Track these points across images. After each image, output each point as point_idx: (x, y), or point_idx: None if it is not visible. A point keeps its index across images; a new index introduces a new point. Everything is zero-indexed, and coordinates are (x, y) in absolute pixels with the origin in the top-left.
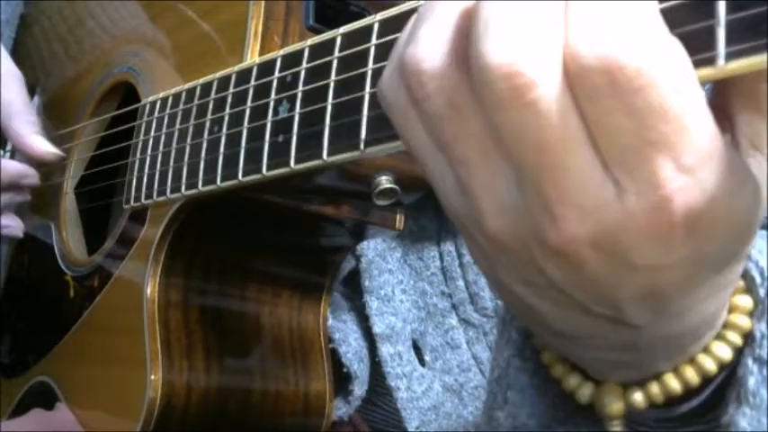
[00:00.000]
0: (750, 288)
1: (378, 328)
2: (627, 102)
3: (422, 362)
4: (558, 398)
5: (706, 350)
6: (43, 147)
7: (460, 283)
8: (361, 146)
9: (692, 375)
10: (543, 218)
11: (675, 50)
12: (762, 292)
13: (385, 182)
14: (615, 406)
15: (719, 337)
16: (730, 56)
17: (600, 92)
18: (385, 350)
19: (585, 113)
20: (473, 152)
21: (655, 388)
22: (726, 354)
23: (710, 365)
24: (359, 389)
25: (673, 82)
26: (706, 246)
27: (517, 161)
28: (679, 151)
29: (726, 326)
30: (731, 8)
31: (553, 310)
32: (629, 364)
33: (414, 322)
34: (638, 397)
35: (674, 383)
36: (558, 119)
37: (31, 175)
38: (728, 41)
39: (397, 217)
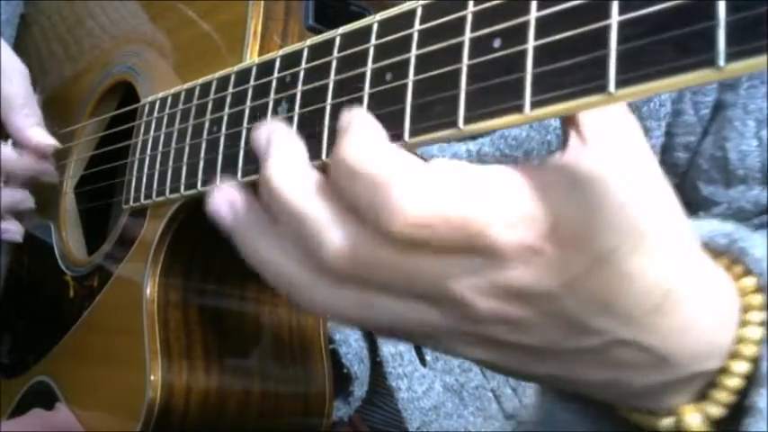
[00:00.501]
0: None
1: None
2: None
3: (423, 362)
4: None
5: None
6: (42, 138)
7: None
8: None
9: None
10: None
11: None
12: None
13: None
14: (696, 426)
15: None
16: (730, 57)
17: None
18: (386, 350)
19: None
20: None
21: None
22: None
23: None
24: (359, 390)
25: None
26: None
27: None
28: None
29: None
30: (731, 9)
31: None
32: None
33: None
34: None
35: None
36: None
37: (26, 200)
38: (728, 43)
39: None
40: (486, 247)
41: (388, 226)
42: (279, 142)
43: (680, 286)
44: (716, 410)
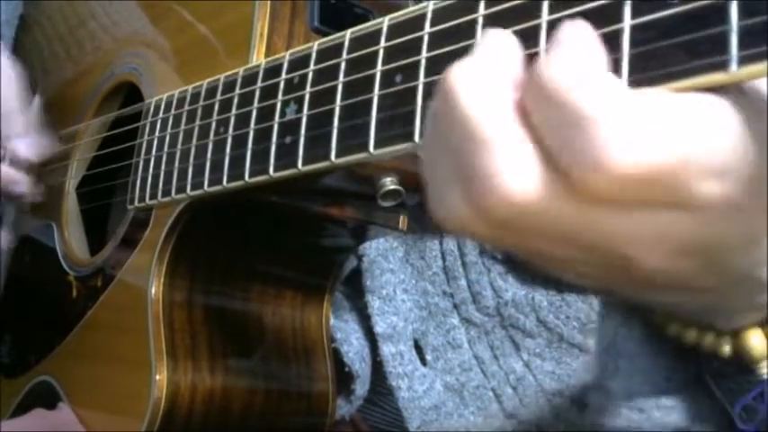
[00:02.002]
0: None
1: (379, 327)
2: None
3: (423, 361)
4: (669, 369)
5: None
6: (33, 150)
7: (462, 282)
8: (371, 148)
9: None
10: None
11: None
12: None
13: (390, 183)
14: (759, 348)
15: None
16: (743, 61)
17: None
18: (386, 350)
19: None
20: None
21: None
22: None
23: None
24: (360, 388)
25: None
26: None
27: None
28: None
29: None
30: (743, 14)
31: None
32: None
33: (415, 322)
34: None
35: None
36: None
37: (21, 182)
38: (741, 46)
39: (401, 218)
40: (686, 201)
41: (584, 178)
42: (490, 40)
43: None
44: None
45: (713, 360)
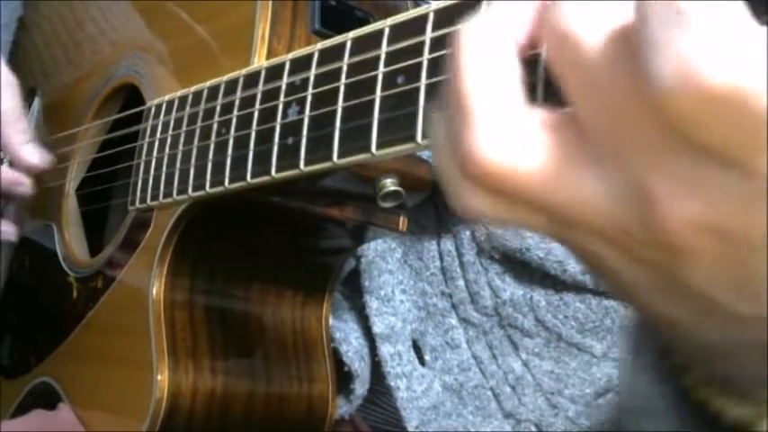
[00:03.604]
0: None
1: (377, 327)
2: None
3: (422, 361)
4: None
5: None
6: (35, 157)
7: (460, 282)
8: (373, 149)
9: None
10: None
11: None
12: None
13: (390, 184)
14: None
15: None
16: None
17: None
18: (385, 350)
19: None
20: None
21: None
22: None
23: None
24: (360, 388)
25: None
26: None
27: None
28: None
29: None
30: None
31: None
32: None
33: (413, 322)
34: None
35: None
36: None
37: (23, 183)
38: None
39: (401, 219)
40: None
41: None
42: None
43: None
44: None
45: None
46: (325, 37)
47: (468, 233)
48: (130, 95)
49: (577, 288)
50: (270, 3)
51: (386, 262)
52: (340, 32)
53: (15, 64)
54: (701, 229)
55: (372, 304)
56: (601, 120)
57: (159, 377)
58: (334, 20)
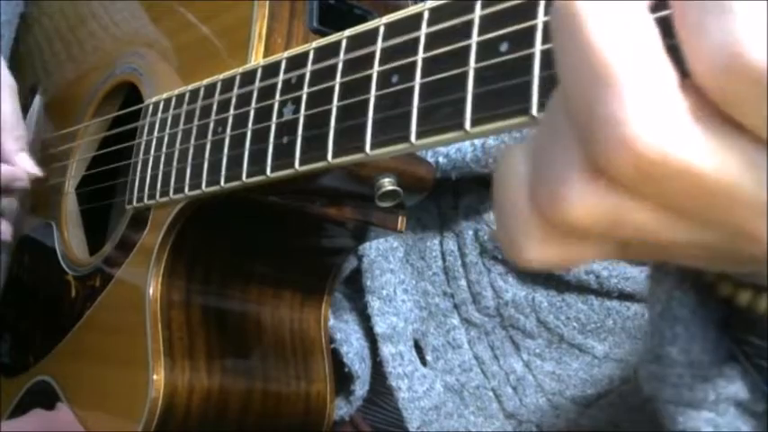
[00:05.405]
0: None
1: (379, 328)
2: None
3: (423, 362)
4: (716, 340)
5: None
6: (29, 166)
7: (462, 282)
8: (367, 148)
9: None
10: None
11: None
12: None
13: (387, 184)
14: None
15: None
16: None
17: None
18: (386, 350)
19: None
20: None
21: None
22: None
23: None
24: (360, 389)
25: None
26: None
27: None
28: None
29: None
30: None
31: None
32: None
33: (415, 322)
34: None
35: None
36: None
37: (21, 178)
38: None
39: (399, 218)
40: None
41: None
42: None
43: None
44: None
45: (753, 332)
46: (323, 35)
47: (470, 233)
48: (130, 93)
49: (580, 288)
50: (267, 2)
51: (388, 261)
52: (338, 31)
53: (17, 61)
54: None
55: (374, 304)
56: None
57: (155, 377)
58: (333, 18)
